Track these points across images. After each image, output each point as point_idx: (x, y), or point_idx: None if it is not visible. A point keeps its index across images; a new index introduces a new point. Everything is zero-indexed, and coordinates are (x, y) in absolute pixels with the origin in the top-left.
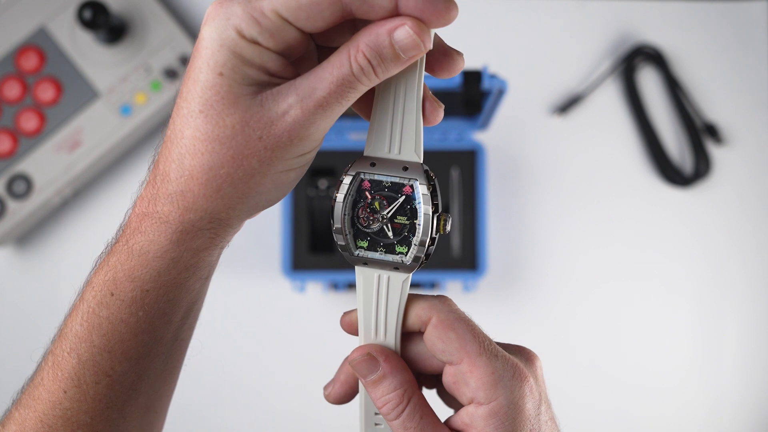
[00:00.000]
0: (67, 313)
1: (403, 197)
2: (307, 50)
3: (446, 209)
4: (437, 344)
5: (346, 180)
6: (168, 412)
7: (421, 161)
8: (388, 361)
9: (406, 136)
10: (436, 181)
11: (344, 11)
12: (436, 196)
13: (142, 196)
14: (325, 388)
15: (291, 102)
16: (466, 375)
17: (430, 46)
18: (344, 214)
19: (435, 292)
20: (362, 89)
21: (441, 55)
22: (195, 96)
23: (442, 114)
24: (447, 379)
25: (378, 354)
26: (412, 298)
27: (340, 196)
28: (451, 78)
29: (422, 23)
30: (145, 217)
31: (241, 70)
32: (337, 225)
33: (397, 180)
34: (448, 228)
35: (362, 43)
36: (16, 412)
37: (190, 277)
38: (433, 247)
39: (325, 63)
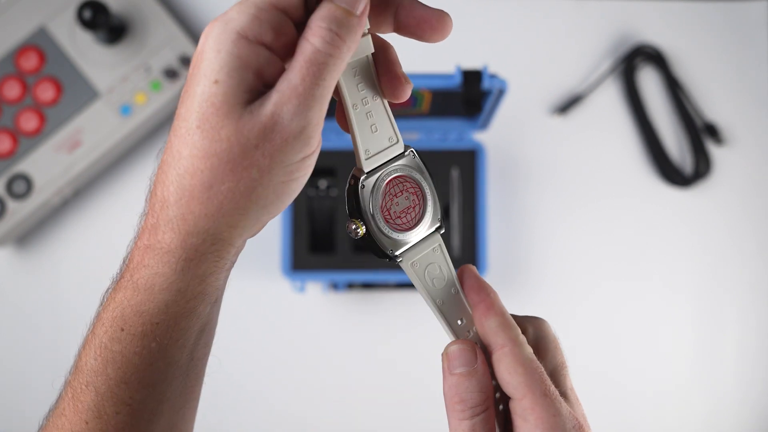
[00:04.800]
0: (80, 346)
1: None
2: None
3: (446, 210)
4: (504, 376)
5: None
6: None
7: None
8: (484, 362)
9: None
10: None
11: None
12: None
13: (143, 228)
14: None
15: (275, 100)
16: (526, 411)
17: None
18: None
19: None
20: (335, 64)
21: (392, 77)
22: (192, 112)
23: (409, 90)
24: (512, 405)
25: (478, 351)
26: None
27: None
28: (452, 78)
29: None
30: (147, 249)
31: (237, 74)
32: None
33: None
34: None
35: (315, 19)
36: None
37: (198, 305)
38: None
39: (297, 54)
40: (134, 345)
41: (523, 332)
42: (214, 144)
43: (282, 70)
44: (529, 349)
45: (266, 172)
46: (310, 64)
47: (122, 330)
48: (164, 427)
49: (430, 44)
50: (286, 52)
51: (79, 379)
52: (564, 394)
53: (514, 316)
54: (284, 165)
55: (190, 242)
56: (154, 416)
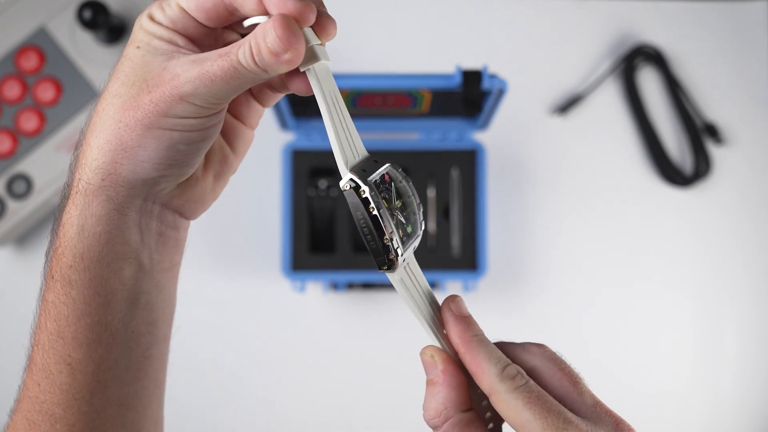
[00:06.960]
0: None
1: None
2: (217, 44)
3: (446, 210)
4: (509, 416)
5: (368, 190)
6: (163, 416)
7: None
8: (445, 373)
9: (355, 136)
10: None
11: (226, 6)
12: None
13: None
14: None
15: (183, 62)
16: None
17: (300, 51)
18: (389, 219)
19: (435, 292)
20: (245, 76)
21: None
22: (117, 68)
23: (334, 29)
24: None
25: (440, 361)
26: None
27: (375, 208)
28: (452, 78)
29: (287, 26)
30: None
31: (152, 44)
32: (394, 235)
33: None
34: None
35: (251, 39)
36: (10, 418)
37: (103, 250)
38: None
39: (232, 45)
40: (58, 293)
41: (518, 362)
42: (121, 88)
43: (210, 38)
44: (522, 379)
45: (148, 116)
46: (223, 61)
47: (52, 278)
48: (112, 400)
49: (429, 45)
50: (196, 39)
51: (32, 340)
52: (593, 407)
53: (502, 345)
54: (165, 115)
55: (84, 175)
56: (96, 383)
